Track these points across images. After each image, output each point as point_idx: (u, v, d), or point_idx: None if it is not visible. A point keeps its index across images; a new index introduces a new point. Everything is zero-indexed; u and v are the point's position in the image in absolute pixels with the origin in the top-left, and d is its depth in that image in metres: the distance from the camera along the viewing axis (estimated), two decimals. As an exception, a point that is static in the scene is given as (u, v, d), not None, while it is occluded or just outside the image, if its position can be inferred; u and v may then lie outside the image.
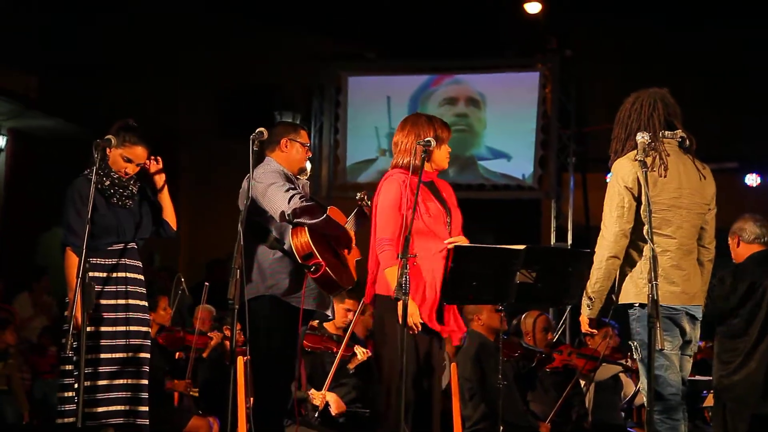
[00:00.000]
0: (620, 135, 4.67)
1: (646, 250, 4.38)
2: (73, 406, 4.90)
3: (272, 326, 5.11)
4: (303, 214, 5.01)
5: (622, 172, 4.52)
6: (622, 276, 4.59)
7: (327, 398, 6.43)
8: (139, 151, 5.22)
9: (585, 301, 4.60)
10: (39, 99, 12.08)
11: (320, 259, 5.00)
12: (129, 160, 5.20)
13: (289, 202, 5.01)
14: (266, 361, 5.07)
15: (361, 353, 6.63)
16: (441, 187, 5.23)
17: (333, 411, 6.44)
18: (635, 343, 4.56)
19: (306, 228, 5.03)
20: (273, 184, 5.11)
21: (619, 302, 4.58)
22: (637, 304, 4.52)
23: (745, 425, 5.62)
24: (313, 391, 6.40)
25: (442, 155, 5.16)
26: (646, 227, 4.36)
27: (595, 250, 4.57)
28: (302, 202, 5.03)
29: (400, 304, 4.61)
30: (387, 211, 5.02)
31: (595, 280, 4.55)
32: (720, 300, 5.69)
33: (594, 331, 4.74)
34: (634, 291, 4.54)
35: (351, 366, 6.66)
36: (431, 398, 5.06)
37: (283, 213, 5.02)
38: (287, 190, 5.07)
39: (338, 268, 5.14)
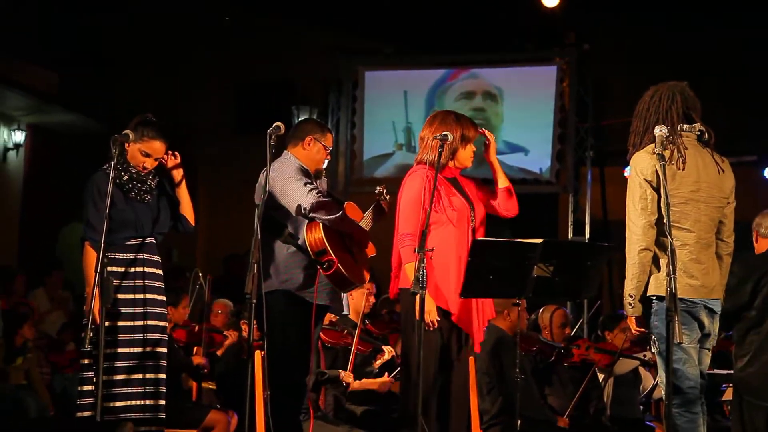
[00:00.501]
0: (639, 128, 4.66)
1: (665, 243, 4.37)
2: (91, 400, 4.93)
3: (286, 321, 5.12)
4: (319, 209, 5.02)
5: (641, 165, 4.51)
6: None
7: (364, 386, 6.43)
8: (157, 146, 5.21)
9: (627, 300, 4.54)
10: (58, 94, 12.14)
11: (333, 256, 5.01)
12: (147, 155, 5.19)
13: (306, 197, 5.02)
14: (280, 355, 5.08)
15: (388, 351, 6.62)
16: (464, 183, 5.24)
17: (380, 388, 6.46)
18: (654, 337, 4.55)
19: (320, 224, 5.04)
20: (290, 177, 5.12)
21: (650, 293, 4.53)
22: (655, 298, 4.51)
23: (763, 418, 5.61)
24: (343, 371, 6.39)
25: (466, 154, 5.18)
26: (664, 220, 4.34)
27: (626, 246, 4.54)
28: (319, 197, 5.04)
29: (417, 298, 4.63)
30: (409, 206, 5.05)
31: (631, 277, 4.50)
32: (728, 293, 5.71)
33: (643, 330, 4.65)
34: (654, 284, 4.52)
35: (376, 364, 6.64)
36: (456, 393, 5.07)
37: (299, 207, 5.03)
38: (305, 185, 5.08)
39: (351, 265, 5.14)
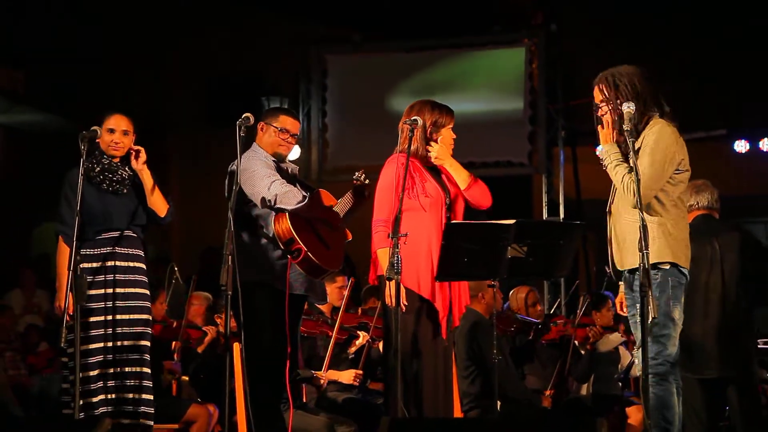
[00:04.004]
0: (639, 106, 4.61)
1: (672, 212, 4.54)
2: (69, 398, 4.95)
3: (260, 312, 5.13)
4: (283, 199, 5.05)
5: (666, 133, 4.56)
6: (658, 235, 4.52)
7: (331, 377, 6.44)
8: (116, 119, 5.24)
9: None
10: (26, 94, 12.04)
11: (301, 244, 5.03)
12: (112, 131, 5.22)
13: (269, 189, 5.05)
14: (257, 346, 5.09)
15: (362, 336, 6.63)
16: (445, 170, 5.23)
17: (348, 381, 6.47)
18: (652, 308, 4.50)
19: (287, 213, 5.06)
20: (254, 171, 5.14)
21: (653, 261, 4.45)
22: (658, 266, 4.52)
23: (698, 390, 5.70)
24: (316, 372, 6.42)
25: (444, 142, 5.16)
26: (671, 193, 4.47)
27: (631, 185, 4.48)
28: (282, 187, 5.06)
29: (391, 283, 4.65)
30: (382, 192, 5.10)
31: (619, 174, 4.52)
32: None
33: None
34: (670, 252, 4.54)
35: (351, 350, 6.66)
36: (437, 375, 5.08)
37: (263, 199, 5.08)
38: (267, 176, 5.10)
39: (322, 252, 5.16)
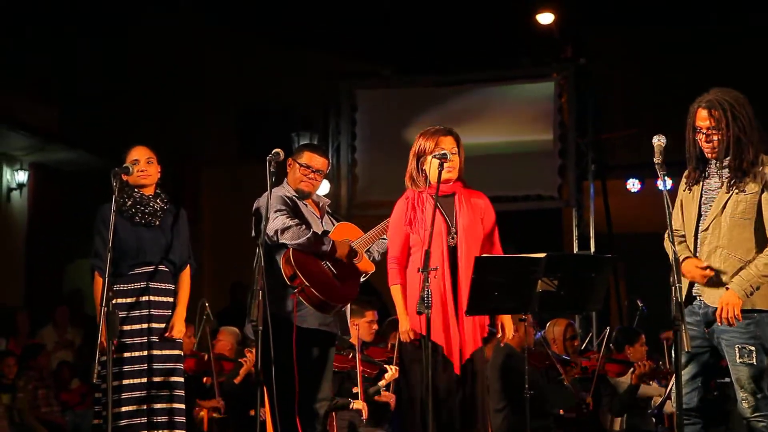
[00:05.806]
0: (755, 140, 4.53)
1: None
2: None
3: (278, 346, 5.08)
4: (285, 235, 5.11)
5: None
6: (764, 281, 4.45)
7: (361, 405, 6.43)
8: (138, 150, 5.30)
9: (749, 290, 4.40)
10: (59, 132, 12.16)
11: (303, 280, 5.06)
12: (136, 161, 5.26)
13: (272, 224, 5.14)
14: (279, 381, 5.06)
15: (391, 370, 6.61)
16: (462, 199, 5.10)
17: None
18: (750, 347, 4.43)
19: (291, 249, 5.10)
20: (271, 207, 5.18)
21: (763, 306, 4.43)
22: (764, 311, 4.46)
23: None
24: (353, 400, 6.42)
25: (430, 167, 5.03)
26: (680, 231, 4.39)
27: None
28: (286, 222, 5.11)
29: (422, 318, 4.63)
30: (392, 228, 5.14)
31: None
32: None
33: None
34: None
35: (382, 383, 6.64)
36: (454, 413, 5.02)
37: (268, 234, 5.13)
38: (275, 212, 5.18)
39: (329, 287, 5.18)
